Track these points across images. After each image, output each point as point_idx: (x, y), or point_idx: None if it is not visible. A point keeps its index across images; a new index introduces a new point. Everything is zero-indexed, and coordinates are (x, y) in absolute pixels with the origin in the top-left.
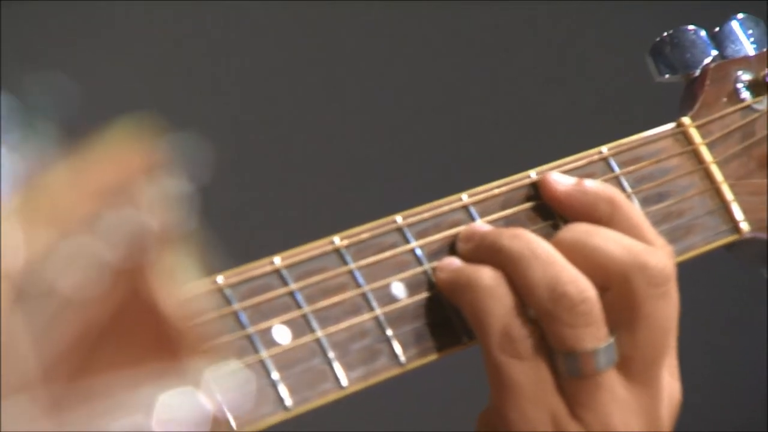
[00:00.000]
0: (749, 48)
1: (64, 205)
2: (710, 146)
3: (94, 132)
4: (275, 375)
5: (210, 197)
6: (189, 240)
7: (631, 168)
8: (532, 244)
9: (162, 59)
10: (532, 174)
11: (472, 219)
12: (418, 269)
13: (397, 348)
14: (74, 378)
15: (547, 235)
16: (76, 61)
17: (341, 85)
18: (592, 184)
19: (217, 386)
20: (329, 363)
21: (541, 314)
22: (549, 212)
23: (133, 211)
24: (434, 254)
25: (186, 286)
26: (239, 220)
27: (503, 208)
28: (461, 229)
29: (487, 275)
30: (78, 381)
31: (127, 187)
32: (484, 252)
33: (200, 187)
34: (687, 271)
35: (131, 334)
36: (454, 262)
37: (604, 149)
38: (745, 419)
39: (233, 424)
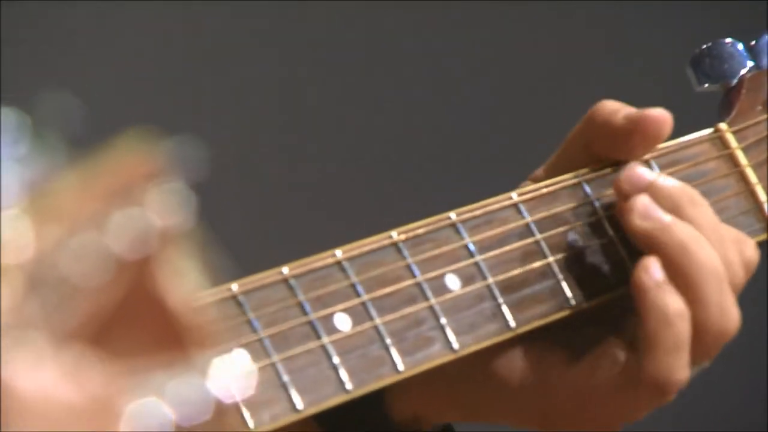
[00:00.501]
0: None
1: (72, 206)
2: (745, 150)
3: (99, 142)
4: (336, 359)
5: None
6: (191, 238)
7: (672, 170)
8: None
9: (170, 63)
10: (579, 174)
11: (522, 216)
12: (470, 262)
13: (451, 335)
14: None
15: (593, 233)
16: (78, 74)
17: (386, 86)
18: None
19: (222, 375)
20: (387, 349)
21: (704, 333)
22: (594, 210)
23: (138, 210)
24: (486, 248)
25: (193, 281)
26: (296, 217)
27: (551, 206)
28: (637, 201)
29: (677, 305)
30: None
31: (131, 190)
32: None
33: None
34: None
35: (137, 324)
36: (657, 274)
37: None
38: (745, 419)
39: (247, 417)
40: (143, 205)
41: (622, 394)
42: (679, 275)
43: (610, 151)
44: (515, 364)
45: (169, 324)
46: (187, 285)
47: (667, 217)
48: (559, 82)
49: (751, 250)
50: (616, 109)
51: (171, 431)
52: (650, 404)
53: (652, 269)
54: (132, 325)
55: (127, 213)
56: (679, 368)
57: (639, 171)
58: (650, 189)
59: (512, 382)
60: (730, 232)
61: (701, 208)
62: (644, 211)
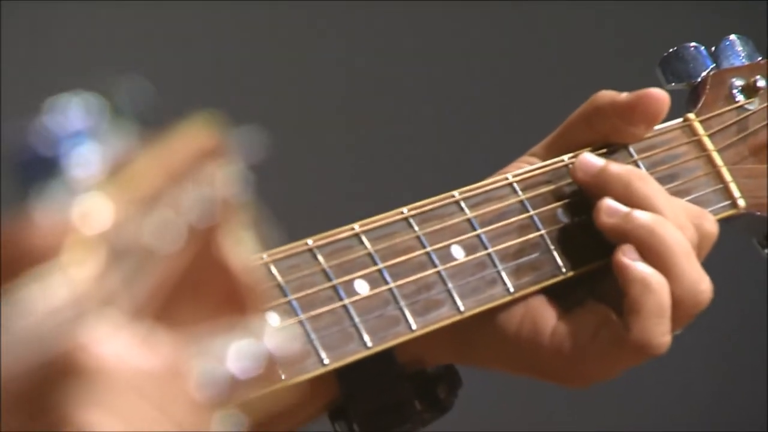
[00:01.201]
0: (741, 61)
1: (145, 181)
2: (711, 137)
3: (169, 125)
4: (357, 319)
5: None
6: (246, 210)
7: (648, 154)
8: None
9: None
10: (566, 158)
11: (517, 194)
12: (473, 234)
13: (457, 298)
14: (156, 323)
15: (579, 209)
16: (152, 63)
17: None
18: (618, 167)
19: (272, 337)
20: (401, 310)
21: (680, 303)
22: (580, 190)
23: (203, 185)
24: (486, 223)
25: (250, 248)
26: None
27: (542, 186)
28: (602, 203)
29: (657, 276)
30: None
31: (198, 167)
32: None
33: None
34: None
35: (200, 291)
36: (635, 254)
37: None
38: (745, 419)
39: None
40: (209, 180)
41: (606, 353)
42: (652, 255)
43: (612, 128)
44: (513, 317)
45: (229, 288)
46: (245, 252)
47: (628, 209)
48: (562, 80)
49: (710, 224)
50: (617, 93)
51: (232, 388)
52: (631, 363)
53: (629, 250)
54: (195, 293)
55: (194, 187)
56: (662, 333)
57: (590, 159)
58: (601, 174)
59: (508, 332)
60: (691, 208)
61: (650, 182)
62: (608, 209)
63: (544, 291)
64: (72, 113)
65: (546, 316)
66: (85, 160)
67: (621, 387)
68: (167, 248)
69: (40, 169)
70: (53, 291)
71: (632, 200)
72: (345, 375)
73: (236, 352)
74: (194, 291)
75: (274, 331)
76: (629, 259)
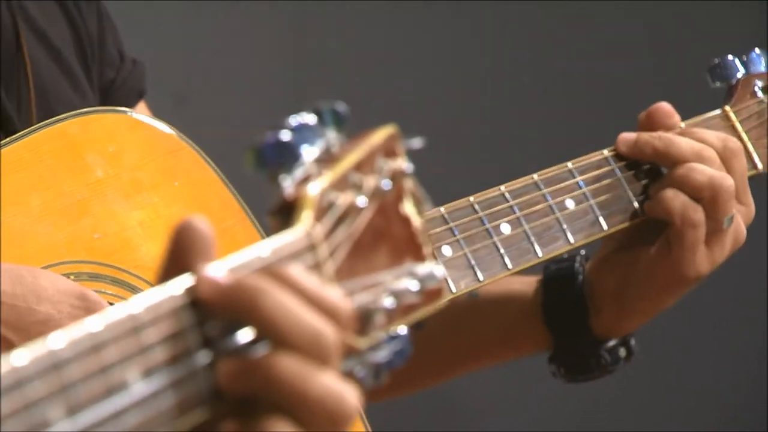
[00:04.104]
0: (763, 69)
1: (349, 162)
2: (741, 122)
3: (362, 129)
4: (502, 251)
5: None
6: (418, 183)
7: None
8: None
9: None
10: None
11: (610, 164)
12: (580, 191)
13: (569, 235)
14: (360, 260)
15: (653, 173)
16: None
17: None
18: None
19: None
20: (531, 244)
21: (707, 200)
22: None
23: (387, 163)
24: (589, 183)
25: (421, 209)
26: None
27: (625, 158)
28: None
29: (701, 214)
30: (363, 262)
31: (383, 153)
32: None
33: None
34: None
35: (394, 238)
36: (679, 197)
37: (682, 124)
38: (745, 419)
39: (451, 285)
40: (391, 160)
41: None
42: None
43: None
44: (632, 279)
45: (412, 238)
46: (419, 212)
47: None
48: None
49: (733, 143)
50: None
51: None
52: (683, 290)
53: (678, 194)
54: (391, 238)
55: (381, 165)
56: (700, 262)
57: (626, 135)
58: (635, 143)
59: (630, 286)
60: (716, 134)
61: (671, 137)
62: (623, 139)
63: (626, 248)
64: (303, 119)
65: (638, 258)
66: (310, 148)
67: (622, 388)
68: (362, 203)
69: (282, 150)
70: (294, 230)
71: (659, 152)
72: (558, 340)
73: (409, 285)
74: (388, 239)
75: (435, 271)
76: (677, 198)
